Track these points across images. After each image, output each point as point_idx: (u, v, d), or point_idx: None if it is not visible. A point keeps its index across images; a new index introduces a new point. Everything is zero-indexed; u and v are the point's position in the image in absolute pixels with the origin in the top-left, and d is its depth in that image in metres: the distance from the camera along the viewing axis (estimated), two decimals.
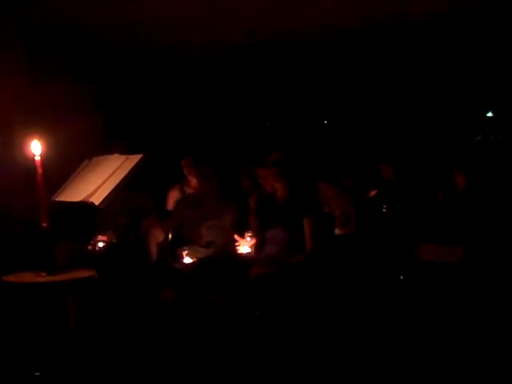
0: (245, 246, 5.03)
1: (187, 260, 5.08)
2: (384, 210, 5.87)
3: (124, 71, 7.19)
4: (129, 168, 4.53)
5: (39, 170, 3.82)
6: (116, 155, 4.80)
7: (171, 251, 5.26)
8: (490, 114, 8.68)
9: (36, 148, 3.85)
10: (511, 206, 5.33)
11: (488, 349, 4.15)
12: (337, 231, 5.55)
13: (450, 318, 4.54)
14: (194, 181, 5.78)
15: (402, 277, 4.97)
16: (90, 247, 5.13)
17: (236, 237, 5.07)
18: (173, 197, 6.17)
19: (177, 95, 7.94)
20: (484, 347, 4.17)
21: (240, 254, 5.02)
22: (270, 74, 7.96)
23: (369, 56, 7.41)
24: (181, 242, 5.30)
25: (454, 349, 4.19)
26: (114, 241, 5.41)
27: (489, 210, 5.29)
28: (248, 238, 5.07)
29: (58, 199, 4.66)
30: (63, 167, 5.06)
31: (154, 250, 5.55)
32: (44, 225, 3.83)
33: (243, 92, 8.28)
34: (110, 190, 4.41)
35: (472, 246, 4.79)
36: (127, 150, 4.97)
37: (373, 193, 6.32)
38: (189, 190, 6.01)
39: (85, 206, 4.46)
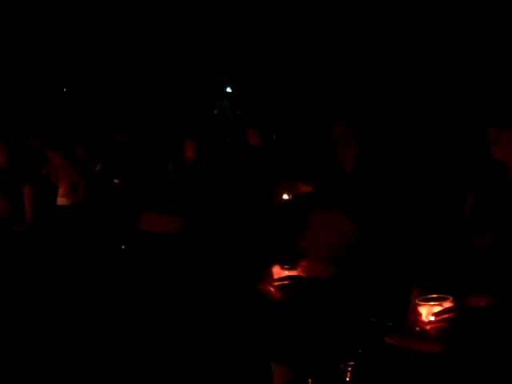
0: None
1: None
2: (116, 182, 5.90)
3: None
4: None
5: None
6: None
7: None
8: (228, 90, 9.05)
9: None
10: (238, 178, 5.65)
11: None
12: (64, 201, 5.48)
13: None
14: None
15: (123, 246, 5.04)
16: None
17: None
18: None
19: None
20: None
21: None
22: None
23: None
24: None
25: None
26: None
27: (215, 182, 5.55)
28: None
29: None
30: None
31: None
32: None
33: None
34: None
35: (189, 215, 4.99)
36: None
37: (98, 167, 6.31)
38: None
39: None
